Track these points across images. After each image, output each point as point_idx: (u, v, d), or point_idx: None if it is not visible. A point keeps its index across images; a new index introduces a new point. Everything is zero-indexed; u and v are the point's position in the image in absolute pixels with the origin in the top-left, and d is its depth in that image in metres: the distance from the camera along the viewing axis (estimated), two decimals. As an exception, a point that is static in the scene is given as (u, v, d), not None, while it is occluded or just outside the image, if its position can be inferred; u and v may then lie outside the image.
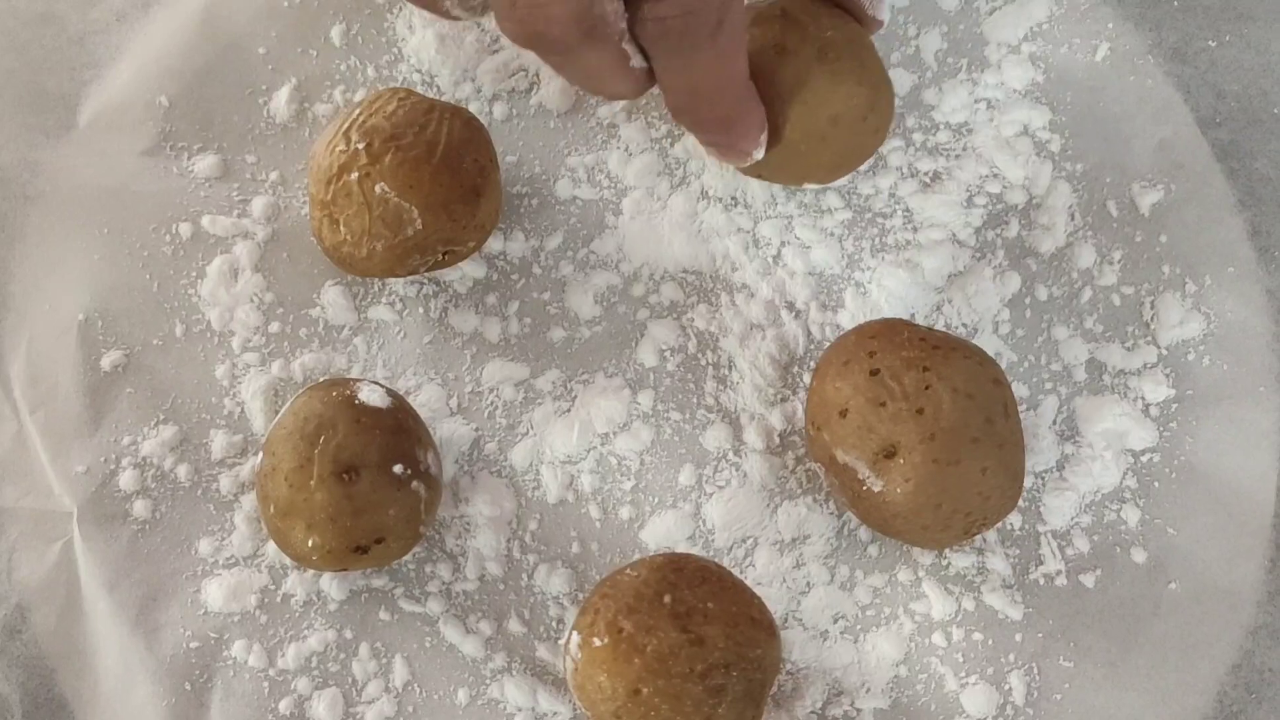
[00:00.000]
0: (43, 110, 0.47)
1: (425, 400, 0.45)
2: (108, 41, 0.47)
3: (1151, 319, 0.46)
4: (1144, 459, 0.44)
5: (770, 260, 0.46)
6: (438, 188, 0.41)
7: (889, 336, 0.41)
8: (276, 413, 0.44)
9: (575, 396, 0.45)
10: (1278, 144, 0.47)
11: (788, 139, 0.43)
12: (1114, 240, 0.46)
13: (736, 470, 0.44)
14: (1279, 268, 0.46)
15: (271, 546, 0.43)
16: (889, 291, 0.45)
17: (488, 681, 0.42)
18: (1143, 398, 0.45)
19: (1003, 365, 0.45)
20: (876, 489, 0.40)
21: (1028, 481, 0.44)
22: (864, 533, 0.44)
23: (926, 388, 0.40)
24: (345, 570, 0.42)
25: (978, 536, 0.43)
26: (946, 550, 0.43)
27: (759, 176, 0.45)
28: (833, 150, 0.43)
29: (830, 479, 0.42)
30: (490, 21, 0.48)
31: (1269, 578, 0.43)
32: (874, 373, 0.40)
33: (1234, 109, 0.47)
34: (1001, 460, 0.40)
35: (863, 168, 0.46)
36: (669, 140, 0.47)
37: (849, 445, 0.40)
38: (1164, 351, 0.45)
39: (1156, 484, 0.44)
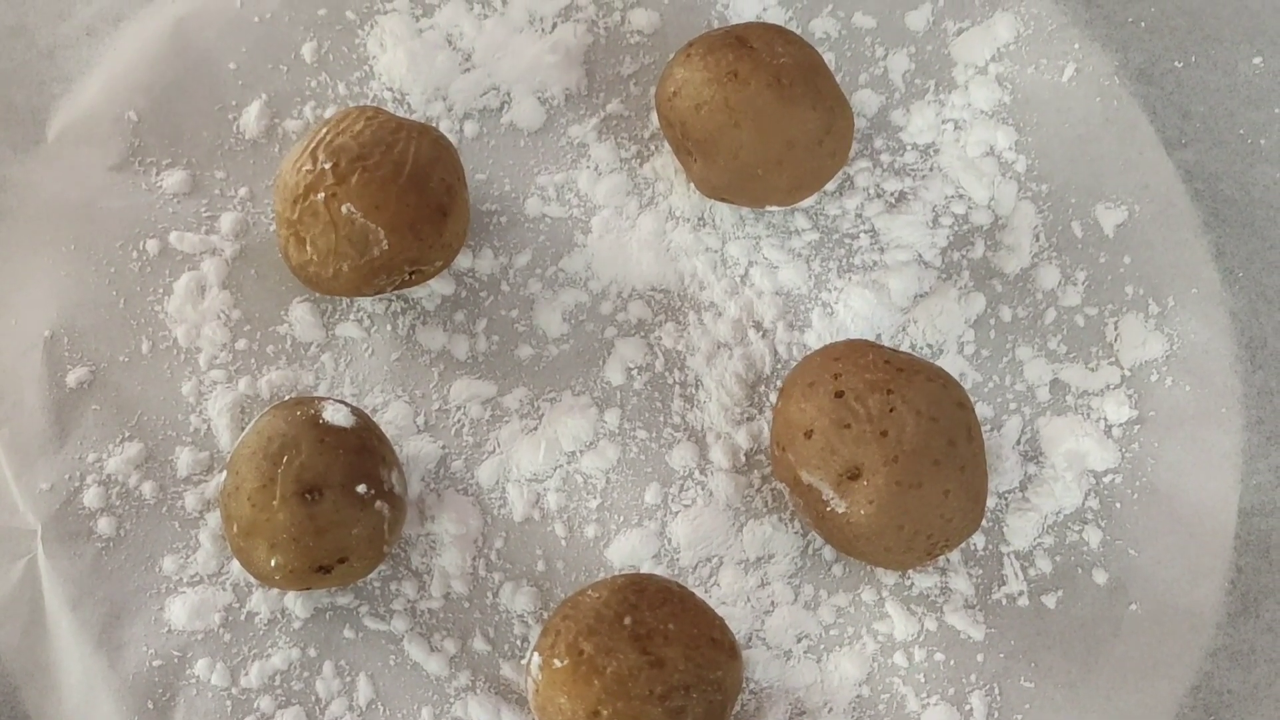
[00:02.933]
0: (11, 124, 0.46)
1: (392, 418, 0.45)
2: (77, 55, 0.47)
3: (1115, 340, 0.46)
4: (1106, 480, 0.45)
5: (738, 280, 0.46)
6: (404, 208, 0.41)
7: (854, 358, 0.41)
8: (243, 429, 0.44)
9: (542, 414, 0.45)
10: (1242, 165, 0.47)
11: (745, 163, 0.43)
12: (1078, 261, 0.47)
13: (702, 489, 0.44)
14: (1243, 289, 0.46)
15: (236, 564, 0.43)
16: (855, 312, 0.46)
17: (452, 700, 0.42)
18: (1105, 419, 0.45)
19: (967, 386, 0.45)
20: (840, 510, 0.40)
21: (991, 502, 0.44)
22: (828, 552, 0.44)
23: (890, 410, 0.40)
24: (309, 589, 0.42)
25: (941, 557, 0.43)
26: (910, 570, 0.44)
27: (721, 199, 0.45)
28: (790, 174, 0.43)
29: (795, 499, 0.42)
30: (462, 40, 0.48)
31: (1229, 599, 0.44)
32: (838, 395, 0.40)
33: (1200, 130, 0.48)
34: (963, 483, 0.40)
35: (830, 188, 0.47)
36: (638, 160, 0.47)
37: (813, 466, 0.41)
38: (1127, 372, 0.46)
39: (1118, 505, 0.44)
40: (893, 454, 0.39)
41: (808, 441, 0.41)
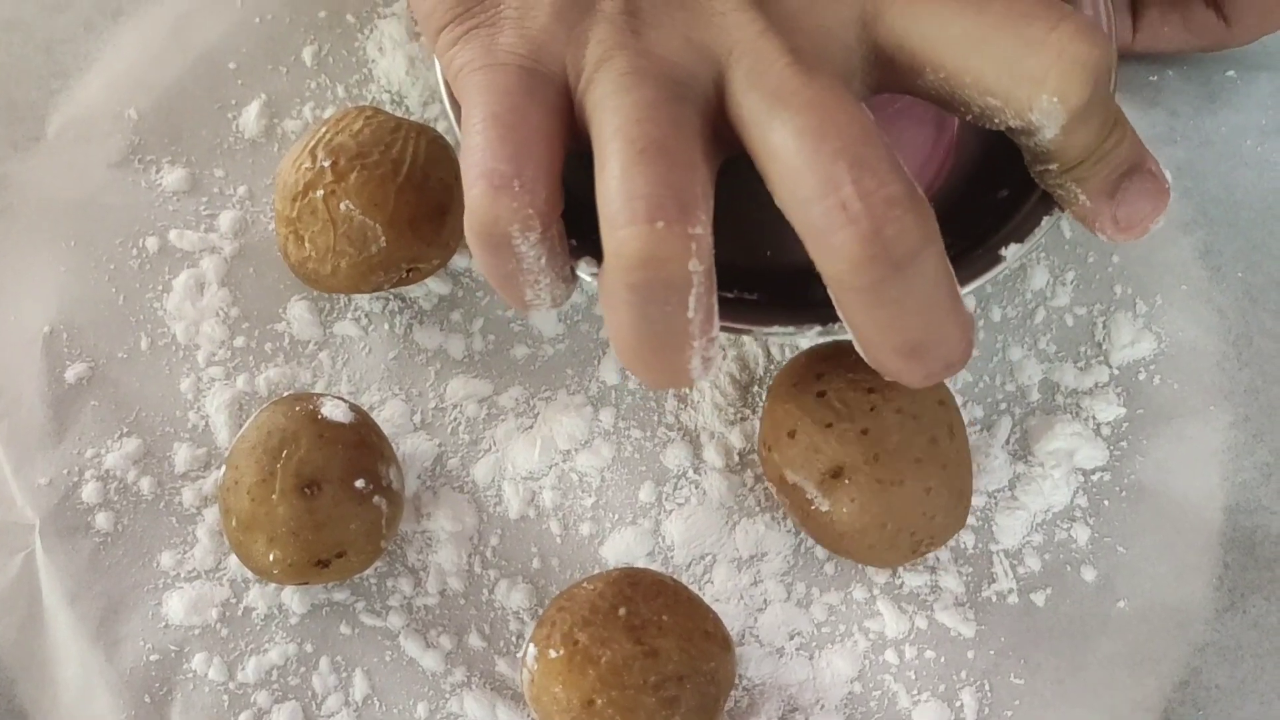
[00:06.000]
0: (10, 121, 0.47)
1: (389, 415, 0.45)
2: (76, 51, 0.48)
3: (1104, 339, 0.46)
4: (1094, 478, 0.45)
5: (731, 280, 0.47)
6: (403, 206, 0.42)
7: (838, 359, 0.41)
8: (241, 426, 0.44)
9: (537, 413, 0.45)
10: (1228, 165, 0.48)
11: None
12: (1067, 261, 0.47)
13: (696, 488, 0.45)
14: (1230, 287, 0.47)
15: (233, 560, 0.43)
16: (847, 313, 0.46)
17: (447, 696, 0.43)
18: (1094, 417, 0.46)
19: (958, 386, 0.46)
20: (824, 509, 0.41)
21: (980, 501, 0.45)
22: (820, 551, 0.44)
23: (871, 409, 0.40)
24: (306, 583, 0.42)
25: (930, 555, 0.44)
26: (901, 569, 0.44)
27: None
28: None
29: (782, 499, 0.43)
30: None
31: (1217, 595, 0.44)
32: (820, 395, 0.41)
33: (1188, 128, 0.48)
34: (946, 480, 0.41)
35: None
36: (632, 160, 0.48)
37: (797, 466, 0.41)
38: (1116, 371, 0.46)
39: (1106, 502, 0.45)
40: (874, 452, 0.40)
41: (791, 441, 0.41)
